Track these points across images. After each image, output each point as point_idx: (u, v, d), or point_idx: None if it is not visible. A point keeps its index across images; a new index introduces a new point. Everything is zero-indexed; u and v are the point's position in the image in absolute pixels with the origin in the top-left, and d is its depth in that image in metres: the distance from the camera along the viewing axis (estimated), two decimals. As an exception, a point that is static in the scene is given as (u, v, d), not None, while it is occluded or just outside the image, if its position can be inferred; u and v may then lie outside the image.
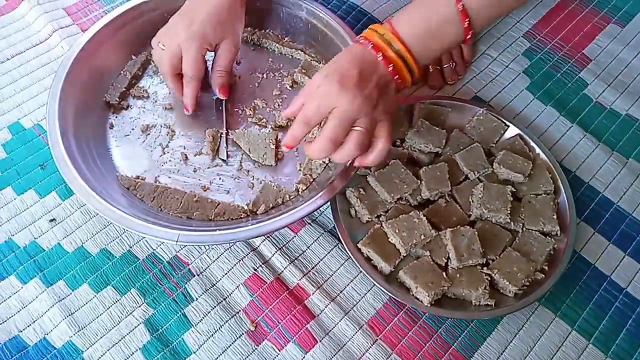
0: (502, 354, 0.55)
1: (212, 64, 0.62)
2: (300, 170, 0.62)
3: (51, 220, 0.60)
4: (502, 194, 0.58)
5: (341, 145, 0.50)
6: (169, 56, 0.59)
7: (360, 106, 0.48)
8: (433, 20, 0.50)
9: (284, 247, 0.59)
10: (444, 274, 0.54)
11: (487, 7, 0.50)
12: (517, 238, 0.58)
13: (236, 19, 0.62)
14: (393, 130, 0.64)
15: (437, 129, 0.63)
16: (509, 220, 0.57)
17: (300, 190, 0.60)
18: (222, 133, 0.63)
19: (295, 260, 0.59)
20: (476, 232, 0.56)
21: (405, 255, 0.56)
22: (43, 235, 0.59)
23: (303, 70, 0.67)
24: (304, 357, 0.53)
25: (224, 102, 0.65)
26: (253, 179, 0.61)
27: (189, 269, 0.58)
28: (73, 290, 0.56)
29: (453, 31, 0.50)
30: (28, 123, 0.67)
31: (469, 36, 0.50)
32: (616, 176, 0.66)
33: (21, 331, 0.54)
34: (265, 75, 0.69)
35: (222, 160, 0.62)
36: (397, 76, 0.50)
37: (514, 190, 0.59)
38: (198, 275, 0.58)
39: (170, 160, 0.62)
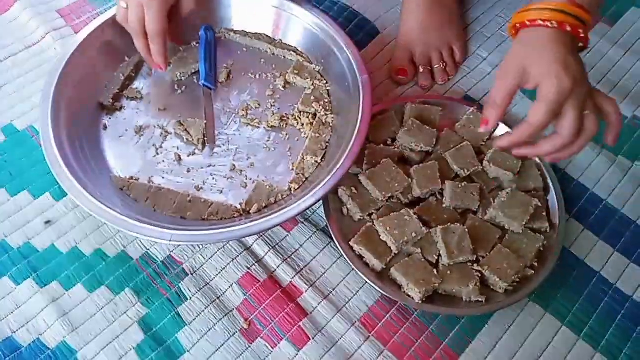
0: (493, 349, 0.55)
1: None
2: (292, 169, 0.62)
3: (46, 222, 0.60)
4: (525, 204, 0.58)
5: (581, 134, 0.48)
6: (134, 13, 0.58)
7: (585, 92, 0.47)
8: None
9: (277, 246, 0.60)
10: (435, 271, 0.55)
11: None
12: (507, 235, 0.58)
13: None
14: (384, 129, 0.65)
15: (427, 128, 0.64)
16: (520, 231, 0.57)
17: (292, 189, 0.60)
18: (206, 122, 0.64)
19: (288, 259, 0.59)
20: (466, 230, 0.56)
21: (396, 252, 0.56)
22: (37, 236, 0.60)
23: (295, 71, 0.68)
24: (297, 355, 0.54)
25: (211, 92, 0.67)
26: (246, 179, 0.61)
27: (183, 268, 0.58)
28: (67, 291, 0.56)
29: None
30: (21, 125, 0.68)
31: None
32: (605, 173, 0.67)
33: (15, 332, 0.54)
34: (258, 76, 0.70)
35: (211, 145, 0.63)
36: (584, 36, 0.48)
37: (539, 205, 0.58)
38: (192, 274, 0.58)
39: (163, 161, 0.62)
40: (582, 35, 0.48)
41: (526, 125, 0.48)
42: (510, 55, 0.50)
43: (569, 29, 0.47)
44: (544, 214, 0.59)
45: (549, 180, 0.62)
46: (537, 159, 0.63)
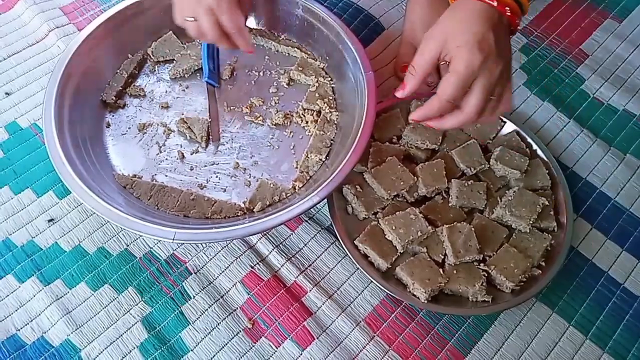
0: (499, 349, 0.55)
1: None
2: (296, 168, 0.62)
3: (49, 220, 0.60)
4: (532, 203, 0.57)
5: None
6: (206, 21, 0.55)
7: (499, 70, 0.47)
8: None
9: (281, 245, 0.59)
10: (440, 270, 0.54)
11: None
12: (513, 234, 0.58)
13: None
14: (389, 127, 0.64)
15: (433, 125, 0.63)
16: (527, 230, 0.57)
17: (296, 188, 0.60)
18: (209, 120, 0.64)
19: (292, 258, 0.59)
20: (473, 229, 0.56)
21: (402, 252, 0.56)
22: (40, 235, 0.59)
23: (299, 68, 0.67)
24: (301, 354, 0.53)
25: (214, 89, 0.66)
26: (250, 177, 0.61)
27: (186, 267, 0.58)
28: (70, 289, 0.56)
29: None
30: (25, 122, 0.68)
31: None
32: (613, 172, 0.66)
33: (19, 330, 0.54)
34: (261, 73, 0.69)
35: (215, 143, 0.62)
36: (515, 18, 0.48)
37: (546, 204, 0.58)
38: (195, 273, 0.58)
39: (166, 159, 0.62)
40: (515, 22, 0.48)
41: (436, 99, 0.48)
42: (439, 23, 0.48)
43: (508, 13, 0.47)
44: (552, 213, 0.59)
45: (556, 179, 0.61)
46: (545, 158, 0.62)
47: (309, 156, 0.61)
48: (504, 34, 0.47)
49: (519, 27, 0.50)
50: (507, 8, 0.47)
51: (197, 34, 0.58)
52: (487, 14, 0.46)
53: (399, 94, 0.51)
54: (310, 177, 0.61)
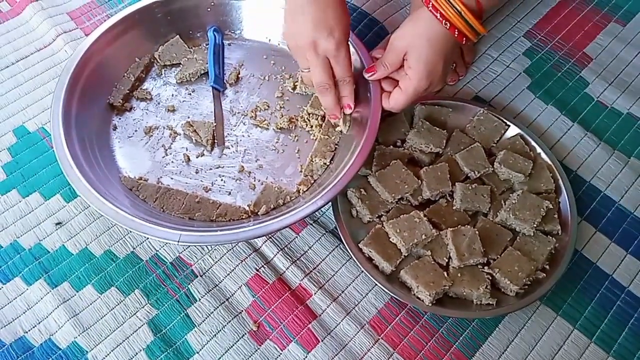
0: (503, 353, 0.55)
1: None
2: (301, 171, 0.62)
3: (57, 224, 0.61)
4: (536, 206, 0.57)
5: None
6: (321, 71, 0.57)
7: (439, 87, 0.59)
8: None
9: (285, 248, 0.60)
10: (445, 273, 0.55)
11: None
12: (518, 237, 0.58)
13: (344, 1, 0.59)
14: (393, 131, 0.64)
15: (437, 129, 0.63)
16: (532, 234, 0.57)
17: (301, 191, 0.60)
18: (215, 124, 0.64)
19: (297, 261, 0.59)
20: (477, 232, 0.56)
21: (406, 255, 0.56)
22: (48, 238, 0.60)
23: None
24: (306, 357, 0.54)
25: (220, 93, 0.67)
26: (254, 180, 0.61)
27: (192, 269, 0.58)
28: (77, 292, 0.57)
29: None
30: (33, 126, 0.68)
31: None
32: (617, 175, 0.66)
33: (27, 332, 0.55)
34: (267, 78, 0.70)
35: (220, 146, 0.63)
36: (464, 38, 0.54)
37: (550, 207, 0.58)
38: (201, 276, 0.58)
39: (172, 162, 0.63)
40: (462, 41, 0.54)
41: (386, 104, 0.59)
42: (406, 28, 0.56)
43: (456, 34, 0.53)
44: (556, 216, 0.59)
45: (560, 182, 0.61)
46: (549, 161, 0.63)
47: (313, 160, 0.62)
48: (451, 54, 0.56)
49: (475, 41, 0.55)
50: (456, 30, 0.52)
51: (310, 83, 0.60)
52: (448, 38, 0.53)
53: (367, 75, 0.60)
54: (315, 181, 0.61)
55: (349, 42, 0.64)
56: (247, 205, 0.59)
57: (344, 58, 0.57)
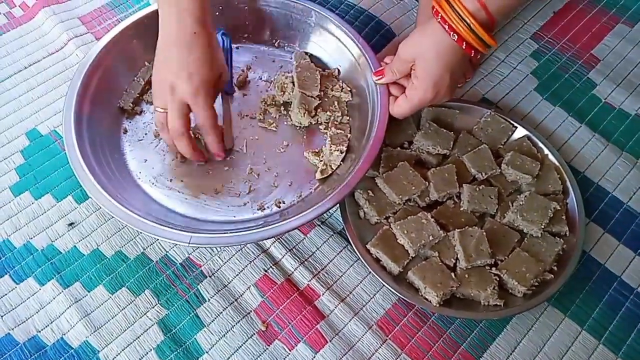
0: (511, 354, 0.55)
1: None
2: (316, 170, 0.62)
3: (70, 224, 0.62)
4: (544, 208, 0.57)
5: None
6: (177, 115, 0.56)
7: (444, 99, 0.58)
8: None
9: (294, 249, 0.60)
10: (452, 274, 0.55)
11: None
12: (525, 238, 0.58)
13: (219, 50, 0.59)
14: (400, 132, 0.65)
15: (444, 131, 0.63)
16: (539, 235, 0.57)
17: (319, 182, 0.61)
18: (223, 126, 0.65)
19: (305, 262, 0.60)
20: (484, 233, 0.56)
21: (413, 256, 0.56)
22: (60, 239, 0.61)
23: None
24: (314, 357, 0.54)
25: (228, 96, 0.68)
26: (263, 182, 0.62)
27: (201, 270, 0.59)
28: (89, 292, 0.58)
29: None
30: (45, 129, 0.69)
31: None
32: (626, 176, 0.66)
33: (39, 331, 0.56)
34: (274, 80, 0.70)
35: (229, 149, 0.64)
36: (472, 50, 0.52)
37: (558, 208, 0.58)
38: (210, 276, 0.59)
39: (182, 165, 0.63)
40: (472, 55, 0.52)
41: (390, 109, 0.60)
42: (415, 38, 0.55)
43: (464, 46, 0.51)
44: (563, 217, 0.59)
45: (568, 184, 0.61)
46: (556, 162, 0.63)
47: (330, 149, 0.62)
48: (459, 66, 0.55)
49: (486, 53, 0.55)
50: (464, 42, 0.51)
51: (162, 125, 0.58)
52: (456, 51, 0.52)
53: (375, 78, 0.61)
54: (333, 170, 0.61)
55: (356, 43, 0.65)
56: (257, 207, 0.60)
57: (203, 105, 0.56)
